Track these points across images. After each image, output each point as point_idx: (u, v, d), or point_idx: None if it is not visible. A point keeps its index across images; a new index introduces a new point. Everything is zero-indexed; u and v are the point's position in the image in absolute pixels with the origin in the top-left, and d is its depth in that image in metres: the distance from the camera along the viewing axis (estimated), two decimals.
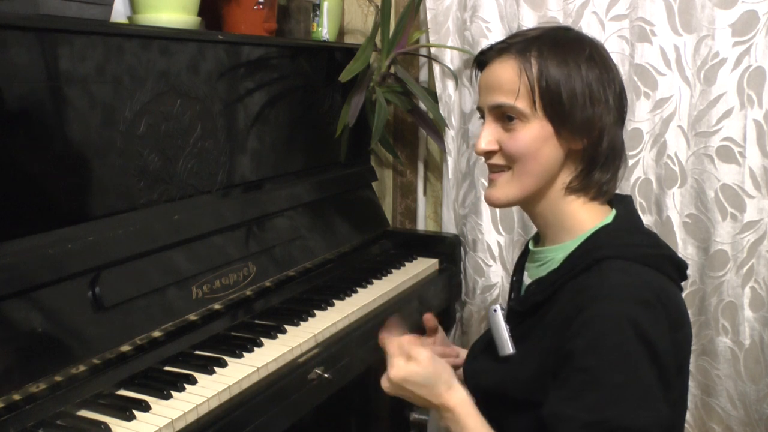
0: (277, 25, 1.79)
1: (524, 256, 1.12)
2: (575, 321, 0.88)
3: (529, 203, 1.00)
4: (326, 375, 1.30)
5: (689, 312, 1.65)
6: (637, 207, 1.68)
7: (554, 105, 0.92)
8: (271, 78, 1.63)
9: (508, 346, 1.00)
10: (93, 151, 1.21)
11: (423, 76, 2.02)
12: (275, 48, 1.64)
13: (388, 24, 1.84)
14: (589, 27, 1.67)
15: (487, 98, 0.97)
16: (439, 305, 1.84)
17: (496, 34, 1.78)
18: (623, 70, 1.65)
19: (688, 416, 1.72)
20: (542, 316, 0.96)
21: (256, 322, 1.43)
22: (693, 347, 1.68)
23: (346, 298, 1.57)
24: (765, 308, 1.59)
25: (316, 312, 1.48)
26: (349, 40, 2.16)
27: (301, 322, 1.43)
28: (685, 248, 1.65)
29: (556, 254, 0.99)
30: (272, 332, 1.36)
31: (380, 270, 1.74)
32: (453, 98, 1.89)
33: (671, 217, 1.64)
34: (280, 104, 1.65)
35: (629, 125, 1.66)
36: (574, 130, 0.93)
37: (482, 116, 1.00)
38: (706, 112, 1.57)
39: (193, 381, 1.16)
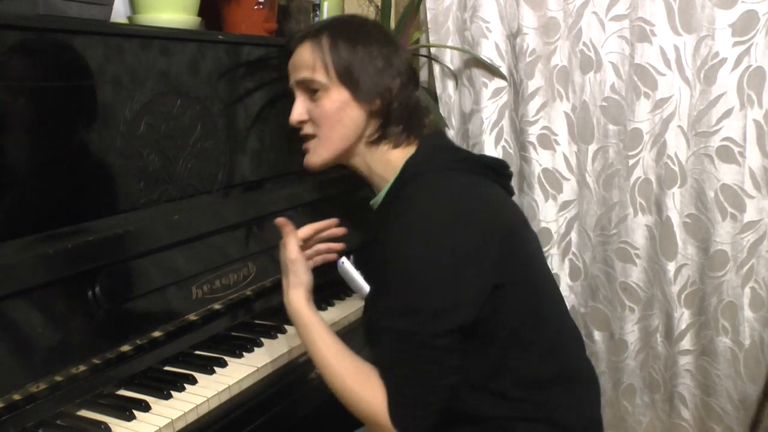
0: (277, 25, 1.79)
1: None
2: (389, 236, 1.02)
3: (345, 161, 1.14)
4: None
5: (689, 312, 1.67)
6: (637, 207, 1.71)
7: (346, 74, 1.08)
8: (271, 78, 1.62)
9: (364, 288, 1.11)
10: (93, 151, 1.21)
11: (423, 76, 2.01)
12: (275, 48, 1.64)
13: (388, 24, 1.84)
14: (589, 27, 1.67)
15: (293, 76, 1.13)
16: None
17: (496, 34, 1.78)
18: (623, 70, 1.65)
19: (688, 416, 1.73)
20: (377, 248, 1.07)
21: (256, 322, 1.43)
22: (693, 347, 1.69)
23: (346, 298, 1.57)
24: (765, 308, 1.59)
25: None
26: None
27: None
28: (685, 248, 1.65)
29: (382, 197, 1.13)
30: (272, 332, 1.37)
31: None
32: (453, 98, 1.89)
33: (671, 217, 1.64)
34: (280, 104, 1.64)
35: (629, 125, 1.66)
36: (367, 94, 1.08)
37: (294, 95, 1.15)
38: (706, 112, 1.57)
39: (193, 381, 1.16)
